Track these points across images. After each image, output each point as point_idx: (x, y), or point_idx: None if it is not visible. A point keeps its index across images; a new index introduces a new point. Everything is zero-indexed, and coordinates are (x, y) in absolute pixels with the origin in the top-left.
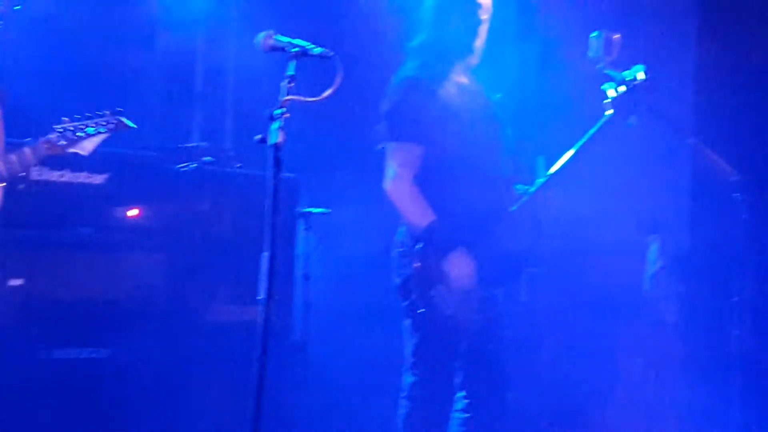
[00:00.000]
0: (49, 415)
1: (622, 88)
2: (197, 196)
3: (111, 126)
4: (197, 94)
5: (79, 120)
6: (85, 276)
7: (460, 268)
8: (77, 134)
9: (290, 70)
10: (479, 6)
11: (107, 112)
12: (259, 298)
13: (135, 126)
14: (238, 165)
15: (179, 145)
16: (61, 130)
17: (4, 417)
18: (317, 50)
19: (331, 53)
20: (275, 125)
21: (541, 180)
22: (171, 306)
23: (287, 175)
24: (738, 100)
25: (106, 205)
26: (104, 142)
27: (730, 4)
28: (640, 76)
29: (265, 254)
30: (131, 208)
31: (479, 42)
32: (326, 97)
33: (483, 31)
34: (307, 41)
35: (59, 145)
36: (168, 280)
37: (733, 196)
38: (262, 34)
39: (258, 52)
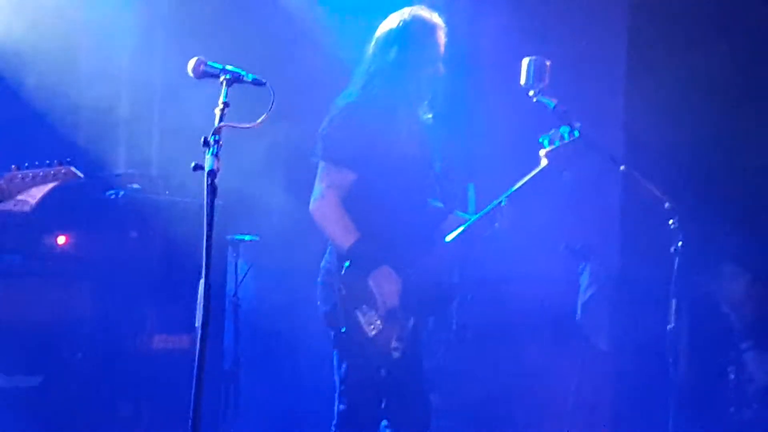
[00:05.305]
0: None
1: (558, 143)
2: (125, 224)
3: (60, 175)
4: (123, 119)
5: (26, 168)
6: (14, 303)
7: (384, 285)
8: (25, 182)
9: (224, 97)
10: (437, 57)
11: (55, 161)
12: (195, 325)
13: (82, 176)
14: (166, 192)
15: (106, 173)
16: (9, 178)
17: None
18: (250, 76)
19: (264, 80)
20: (210, 152)
21: (475, 215)
22: (100, 334)
23: (218, 202)
24: (667, 128)
25: (34, 232)
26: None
27: (657, 30)
28: (576, 133)
29: (202, 281)
30: (60, 235)
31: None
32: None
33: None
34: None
35: (6, 192)
36: (96, 308)
37: (667, 222)
38: (193, 60)
39: (185, 77)
